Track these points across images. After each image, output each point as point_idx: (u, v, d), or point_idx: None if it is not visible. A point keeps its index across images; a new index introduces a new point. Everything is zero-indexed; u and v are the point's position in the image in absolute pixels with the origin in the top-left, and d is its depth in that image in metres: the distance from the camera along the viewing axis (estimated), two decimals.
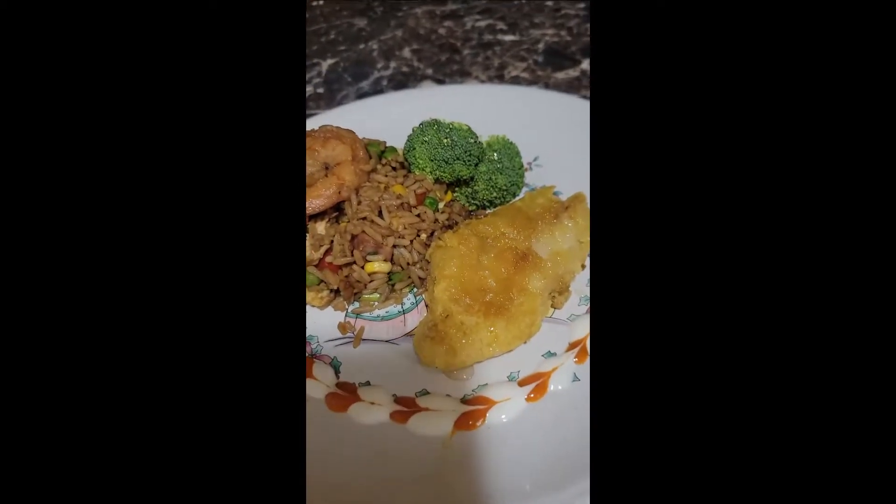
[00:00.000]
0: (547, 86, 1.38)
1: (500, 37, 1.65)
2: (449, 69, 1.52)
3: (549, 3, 1.80)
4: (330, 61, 1.63)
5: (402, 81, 1.49)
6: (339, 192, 0.81)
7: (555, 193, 0.93)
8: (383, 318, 0.81)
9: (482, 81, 1.45)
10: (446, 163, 0.86)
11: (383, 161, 0.89)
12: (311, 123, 1.16)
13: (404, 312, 0.82)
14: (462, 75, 1.49)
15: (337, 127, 0.88)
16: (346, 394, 0.72)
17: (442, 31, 1.73)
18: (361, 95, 1.44)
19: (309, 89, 1.50)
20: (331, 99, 1.45)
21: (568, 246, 0.79)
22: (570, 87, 1.36)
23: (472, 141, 0.88)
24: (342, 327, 0.80)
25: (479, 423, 0.67)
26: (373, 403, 0.70)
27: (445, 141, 0.85)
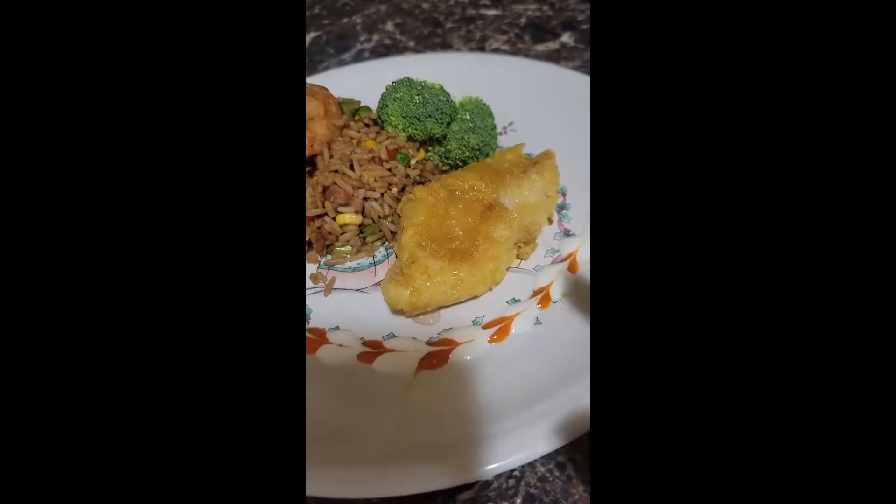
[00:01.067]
0: (527, 57, 1.39)
1: (482, 11, 1.66)
2: (431, 42, 1.53)
3: None
4: (313, 34, 1.63)
5: (384, 53, 1.50)
6: (311, 146, 0.83)
7: (525, 154, 0.95)
8: (354, 270, 0.83)
9: (461, 52, 1.46)
10: (418, 119, 0.88)
11: (356, 118, 0.91)
12: None
13: (375, 264, 0.84)
14: (444, 48, 1.50)
15: (310, 83, 0.89)
16: (314, 337, 0.74)
17: (426, 5, 1.74)
18: (342, 66, 1.45)
19: None
20: (312, 70, 1.45)
21: (535, 199, 0.81)
22: (549, 59, 1.38)
23: (444, 99, 0.90)
24: (314, 278, 0.82)
25: (442, 363, 0.69)
26: (341, 346, 0.72)
27: (417, 98, 0.87)
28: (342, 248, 0.84)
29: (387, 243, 0.86)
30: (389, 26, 1.64)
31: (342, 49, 1.54)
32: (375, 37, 1.59)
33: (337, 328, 0.75)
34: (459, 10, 1.69)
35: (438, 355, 0.70)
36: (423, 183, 0.88)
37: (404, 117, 0.88)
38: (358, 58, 1.50)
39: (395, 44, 1.54)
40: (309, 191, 0.82)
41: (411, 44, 1.53)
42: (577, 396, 0.61)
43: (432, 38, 1.55)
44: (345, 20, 1.70)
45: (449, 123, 0.91)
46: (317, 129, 0.83)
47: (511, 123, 1.09)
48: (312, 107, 0.85)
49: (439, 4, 1.73)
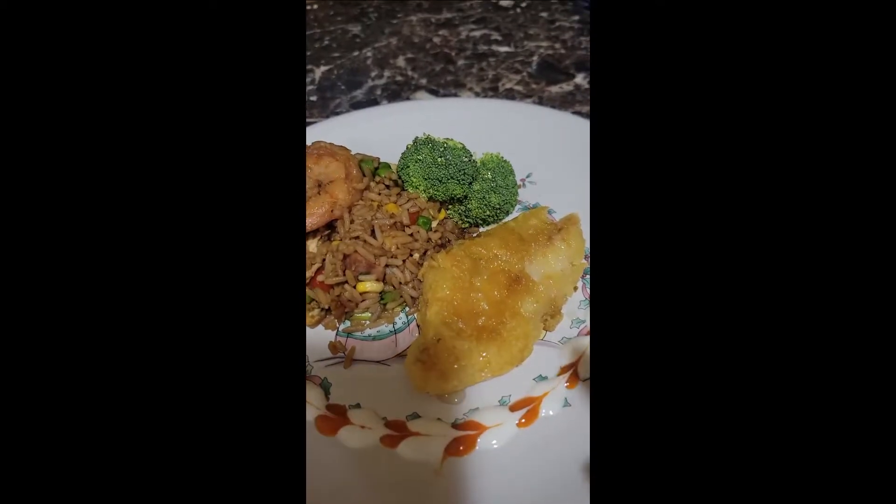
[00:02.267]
0: (541, 100, 1.38)
1: (494, 47, 1.65)
2: (443, 80, 1.52)
3: (544, 15, 1.80)
4: (324, 68, 1.62)
5: (396, 91, 1.48)
6: (332, 211, 0.81)
7: (549, 213, 0.93)
8: (374, 338, 0.81)
9: (477, 94, 1.44)
10: (440, 182, 0.86)
11: (377, 179, 0.89)
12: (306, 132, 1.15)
13: (396, 332, 0.81)
14: (456, 86, 1.48)
15: (331, 144, 0.87)
16: (335, 416, 0.71)
17: (437, 39, 1.73)
18: (355, 104, 1.44)
19: None
20: (324, 107, 1.43)
21: (560, 268, 0.79)
22: (563, 102, 1.36)
23: (467, 160, 0.88)
24: (333, 347, 0.80)
25: (469, 449, 0.67)
26: (363, 427, 0.70)
27: (440, 160, 0.85)
28: (361, 315, 0.82)
29: (407, 309, 0.84)
30: (401, 62, 1.62)
31: (353, 85, 1.52)
32: (387, 73, 1.57)
33: (358, 406, 0.73)
34: (471, 45, 1.68)
35: (465, 441, 0.68)
36: (444, 245, 0.86)
37: (426, 179, 0.86)
38: (370, 94, 1.48)
39: (407, 81, 1.53)
40: (329, 258, 0.80)
41: (423, 81, 1.52)
42: None
43: (444, 76, 1.53)
44: (355, 53, 1.69)
45: (470, 183, 0.89)
46: (338, 194, 0.81)
47: (529, 175, 1.07)
48: (333, 169, 0.83)
49: (450, 39, 1.72)
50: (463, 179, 0.87)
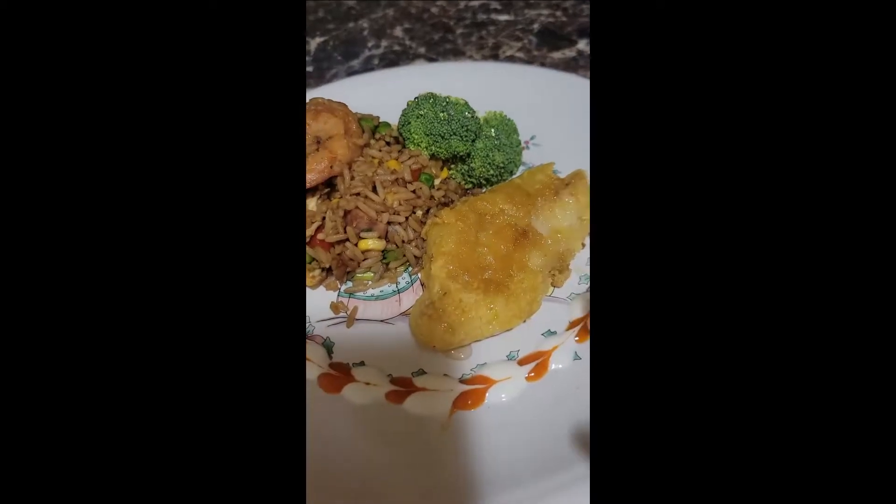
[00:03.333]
0: (543, 65, 1.35)
1: (493, 16, 1.61)
2: (442, 48, 1.48)
3: None
4: (319, 39, 1.58)
5: (393, 60, 1.45)
6: (331, 167, 0.78)
7: (553, 172, 0.91)
8: (377, 298, 0.79)
9: (477, 60, 1.41)
10: (442, 138, 0.83)
11: (377, 136, 0.86)
12: None
13: (399, 292, 0.79)
14: (456, 55, 1.45)
15: (328, 100, 0.84)
16: (339, 374, 0.69)
17: (434, 9, 1.69)
18: (352, 74, 1.40)
19: None
20: (320, 77, 1.40)
21: (568, 223, 0.77)
22: (567, 68, 1.33)
23: (469, 116, 0.85)
24: (335, 307, 0.77)
25: (478, 403, 0.65)
26: (367, 384, 0.68)
27: (442, 115, 0.82)
28: (363, 275, 0.80)
29: (411, 269, 0.81)
30: (398, 32, 1.59)
31: (350, 55, 1.49)
32: (384, 43, 1.54)
33: (362, 363, 0.71)
34: (469, 14, 1.64)
35: (473, 395, 0.66)
36: (447, 204, 0.84)
37: (428, 135, 0.83)
38: (367, 65, 1.45)
39: (405, 50, 1.49)
40: (329, 215, 0.77)
41: (422, 50, 1.49)
42: None
43: (443, 45, 1.50)
44: (351, 24, 1.65)
45: (473, 140, 0.87)
46: (337, 149, 0.78)
47: (533, 137, 1.04)
48: (331, 125, 0.80)
49: (448, 9, 1.68)
50: (466, 136, 0.84)
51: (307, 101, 0.85)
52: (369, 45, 1.53)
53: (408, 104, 0.86)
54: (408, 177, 0.80)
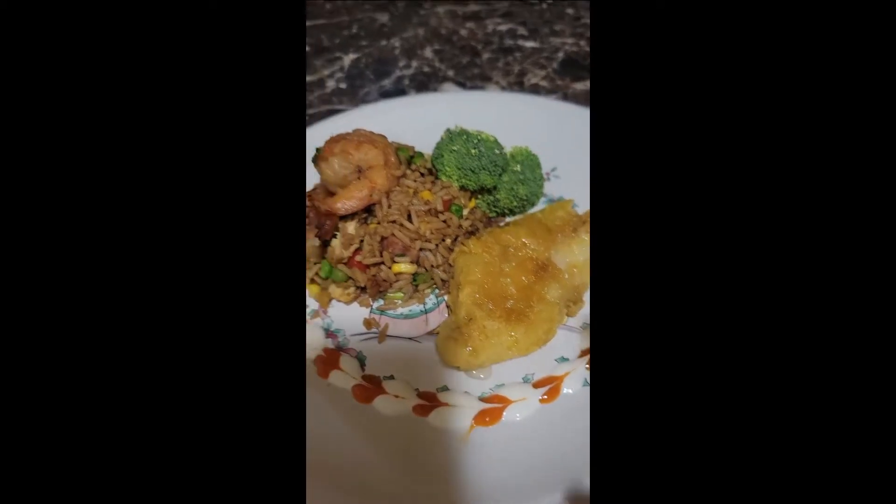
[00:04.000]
0: (566, 96, 1.42)
1: (520, 42, 1.68)
2: (470, 72, 1.56)
3: (570, 12, 1.83)
4: (352, 56, 1.66)
5: (423, 82, 1.52)
6: (371, 196, 0.86)
7: (573, 206, 0.98)
8: (406, 316, 0.86)
9: (502, 87, 1.48)
10: (472, 172, 0.90)
11: (412, 167, 0.94)
12: (338, 121, 1.20)
13: (426, 312, 0.87)
14: (483, 79, 1.52)
15: (370, 132, 0.92)
16: (371, 386, 0.77)
17: (464, 32, 1.76)
18: (384, 93, 1.48)
19: (331, 84, 1.53)
20: (353, 94, 1.48)
21: (584, 258, 0.84)
22: (587, 98, 1.40)
23: (498, 152, 0.92)
24: (367, 323, 0.85)
25: (495, 420, 0.72)
26: (397, 396, 0.75)
27: (473, 151, 0.90)
28: (394, 295, 0.87)
29: (437, 291, 0.89)
30: (428, 52, 1.66)
31: (382, 74, 1.56)
32: (415, 63, 1.61)
33: (392, 377, 0.78)
34: (497, 39, 1.71)
35: (492, 413, 0.73)
36: (473, 233, 0.91)
37: (459, 168, 0.90)
38: (398, 84, 1.52)
39: (435, 72, 1.57)
40: (367, 239, 0.85)
41: (450, 73, 1.56)
42: None
43: (471, 69, 1.57)
44: (383, 42, 1.73)
45: (500, 174, 0.94)
46: (377, 179, 0.86)
47: (554, 169, 1.11)
48: (372, 156, 0.88)
49: (477, 31, 1.76)
50: (494, 171, 0.92)
51: (353, 130, 0.92)
52: (400, 64, 1.61)
53: (442, 138, 0.94)
54: (439, 207, 0.88)
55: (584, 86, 1.46)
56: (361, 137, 0.90)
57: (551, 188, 1.08)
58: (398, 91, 1.49)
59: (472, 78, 1.53)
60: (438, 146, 0.93)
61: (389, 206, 0.86)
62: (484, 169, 0.91)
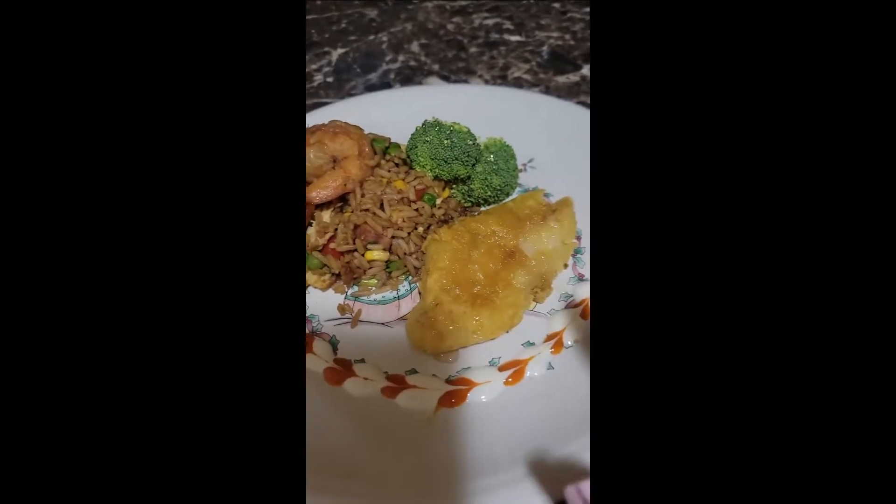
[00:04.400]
0: (548, 89, 1.44)
1: (506, 36, 1.70)
2: (455, 66, 1.57)
3: (556, 6, 1.84)
4: (340, 51, 1.68)
5: (409, 76, 1.54)
6: (345, 185, 0.88)
7: (545, 196, 1.00)
8: (379, 302, 0.89)
9: (486, 81, 1.50)
10: (445, 162, 0.92)
11: (387, 157, 0.96)
12: (321, 113, 1.22)
13: (399, 298, 0.89)
14: (467, 73, 1.54)
15: (346, 122, 0.94)
16: (342, 369, 0.79)
17: (450, 26, 1.78)
18: (370, 87, 1.50)
19: (319, 78, 1.55)
20: (339, 89, 1.50)
21: (552, 246, 0.86)
22: (569, 92, 1.42)
23: (471, 143, 0.94)
24: (341, 308, 0.87)
25: (460, 402, 0.75)
26: (366, 379, 0.78)
27: (446, 142, 0.92)
28: (368, 281, 0.90)
29: (410, 278, 0.91)
30: (415, 47, 1.68)
31: (368, 69, 1.58)
32: (401, 57, 1.63)
33: (362, 360, 0.81)
34: (483, 33, 1.73)
35: (457, 394, 0.75)
36: (447, 221, 0.93)
37: (432, 159, 0.93)
38: (384, 78, 1.54)
39: (420, 66, 1.58)
40: (341, 227, 0.87)
41: (436, 67, 1.58)
42: (580, 451, 0.66)
43: (456, 63, 1.59)
44: (371, 37, 1.74)
45: (474, 165, 0.96)
46: (351, 169, 0.88)
47: (531, 160, 1.13)
48: (347, 146, 0.90)
49: (464, 26, 1.77)
50: (467, 161, 0.94)
51: (328, 122, 0.94)
52: (387, 58, 1.63)
53: (416, 129, 0.96)
54: (412, 196, 0.90)
55: (566, 79, 1.47)
56: (337, 128, 0.92)
57: (527, 179, 1.10)
58: (384, 85, 1.51)
59: (456, 72, 1.55)
60: (412, 137, 0.96)
61: (363, 195, 0.89)
62: (457, 159, 0.93)
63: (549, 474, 0.66)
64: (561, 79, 1.48)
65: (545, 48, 1.62)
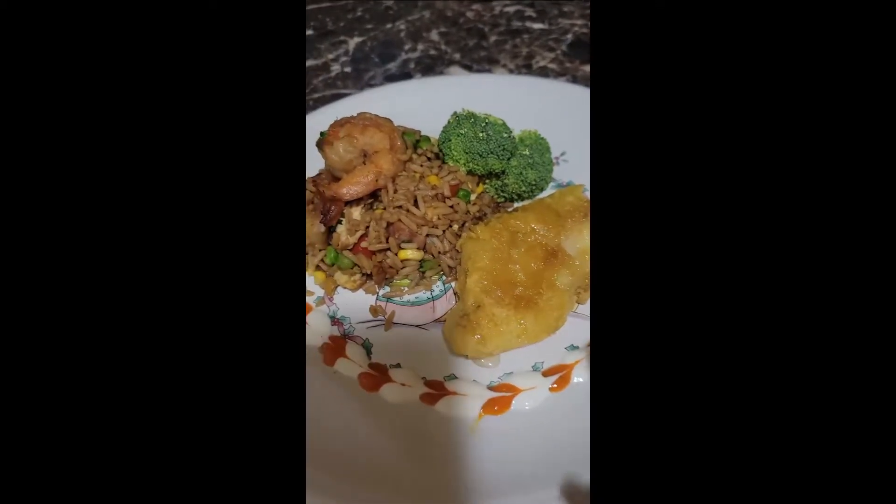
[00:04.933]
0: (575, 78, 1.38)
1: (528, 24, 1.64)
2: (476, 55, 1.52)
3: None
4: (357, 39, 1.62)
5: (429, 65, 1.49)
6: (377, 180, 0.84)
7: (585, 191, 0.95)
8: (413, 304, 0.85)
9: (510, 70, 1.45)
10: (480, 156, 0.88)
11: (418, 151, 0.92)
12: (343, 104, 1.17)
13: (433, 299, 0.85)
14: (489, 62, 1.49)
15: (375, 115, 0.90)
16: (377, 374, 0.76)
17: (470, 14, 1.72)
18: (389, 77, 1.45)
19: (336, 68, 1.51)
20: (358, 79, 1.45)
21: None
22: None
23: (507, 136, 0.90)
24: (373, 310, 0.84)
25: (504, 409, 0.71)
26: (403, 385, 0.74)
27: (481, 135, 0.87)
28: (401, 282, 0.86)
29: (445, 278, 0.87)
30: (434, 35, 1.62)
31: (387, 58, 1.53)
32: (420, 46, 1.58)
33: (398, 366, 0.77)
34: (504, 21, 1.67)
35: (500, 401, 0.72)
36: (481, 218, 0.89)
37: (467, 152, 0.88)
38: (403, 68, 1.49)
39: (441, 55, 1.53)
40: (373, 225, 0.83)
41: (457, 56, 1.52)
42: None
43: (478, 52, 1.54)
44: (388, 25, 1.69)
45: (509, 159, 0.92)
46: (382, 164, 0.84)
47: (563, 153, 1.09)
48: (377, 139, 0.86)
49: (483, 14, 1.72)
50: (502, 155, 0.90)
51: (357, 114, 0.90)
52: (406, 47, 1.58)
53: (449, 122, 0.91)
54: (447, 192, 0.86)
55: None
56: (367, 121, 0.88)
57: (561, 173, 1.05)
58: (404, 75, 1.46)
59: (478, 61, 1.50)
60: (445, 130, 0.91)
61: (395, 192, 0.84)
62: (492, 153, 0.89)
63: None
64: (587, 68, 1.42)
65: (569, 36, 1.56)
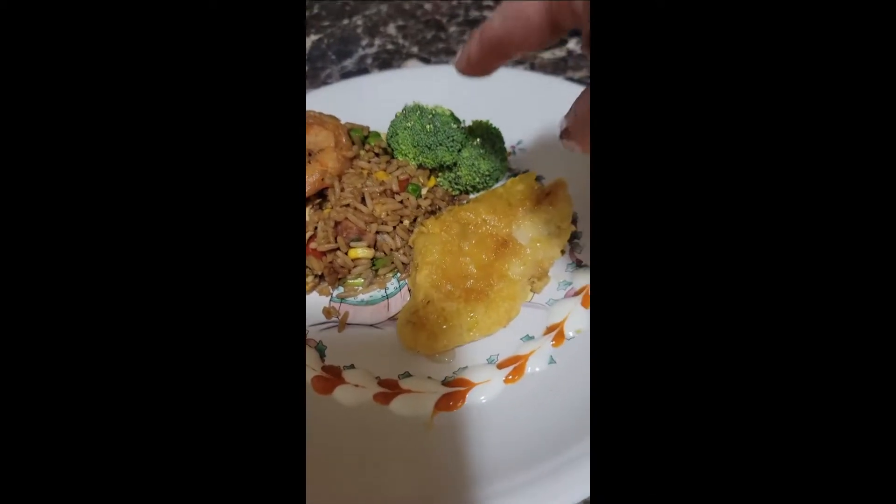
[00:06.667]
0: (533, 66, 1.37)
1: (486, 13, 1.62)
2: (435, 47, 1.50)
3: None
4: (314, 37, 1.60)
5: (386, 60, 1.47)
6: (322, 179, 0.82)
7: (537, 179, 0.94)
8: (367, 303, 0.83)
9: None
10: (429, 148, 0.87)
11: (367, 147, 0.90)
12: None
13: (388, 297, 0.84)
14: (448, 54, 1.47)
15: (319, 112, 0.88)
16: (331, 377, 0.74)
17: (428, 6, 1.70)
18: (346, 74, 1.43)
19: None
20: (315, 78, 1.43)
21: (548, 232, 0.81)
22: (556, 68, 1.36)
23: (455, 126, 0.89)
24: (327, 312, 0.82)
25: (459, 404, 0.70)
26: (357, 386, 0.73)
27: (428, 127, 0.86)
28: (354, 281, 0.84)
29: (399, 275, 0.86)
30: (391, 29, 1.60)
31: (343, 55, 1.51)
32: (377, 41, 1.55)
33: (352, 366, 0.76)
34: (462, 11, 1.65)
35: (454, 396, 0.71)
36: (434, 212, 0.88)
37: (415, 146, 0.87)
38: (360, 64, 1.47)
39: (398, 49, 1.51)
40: (321, 225, 0.81)
41: (415, 49, 1.51)
42: (586, 449, 0.62)
43: (436, 44, 1.52)
44: (345, 21, 1.66)
45: (459, 150, 0.90)
46: (328, 162, 0.82)
47: (520, 142, 1.08)
48: (322, 137, 0.84)
49: (441, 5, 1.69)
50: (452, 146, 0.88)
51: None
52: (363, 43, 1.55)
53: (396, 116, 0.90)
54: (395, 188, 0.84)
55: (551, 55, 1.41)
56: (310, 119, 0.86)
57: (518, 162, 1.04)
58: (361, 71, 1.44)
59: (436, 53, 1.48)
60: (392, 124, 0.90)
61: (342, 190, 0.83)
62: (441, 145, 0.87)
63: (556, 476, 0.62)
64: (546, 55, 1.41)
65: None
